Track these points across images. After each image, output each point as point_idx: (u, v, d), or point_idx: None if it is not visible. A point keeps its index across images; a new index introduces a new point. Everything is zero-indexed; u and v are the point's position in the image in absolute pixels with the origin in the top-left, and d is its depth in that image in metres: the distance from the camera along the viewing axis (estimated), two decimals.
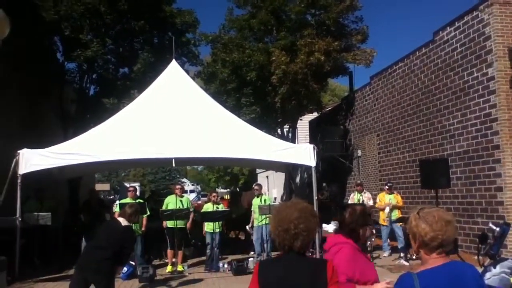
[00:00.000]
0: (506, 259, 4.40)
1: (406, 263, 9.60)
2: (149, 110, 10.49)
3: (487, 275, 4.14)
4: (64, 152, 9.21)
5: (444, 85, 11.38)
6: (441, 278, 1.97)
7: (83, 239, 10.30)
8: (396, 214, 10.40)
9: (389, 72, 14.40)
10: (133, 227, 9.10)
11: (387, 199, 10.65)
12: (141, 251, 9.35)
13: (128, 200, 9.63)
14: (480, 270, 4.12)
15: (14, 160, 8.81)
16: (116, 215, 9.31)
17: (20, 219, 8.86)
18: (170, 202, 9.82)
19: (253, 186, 12.10)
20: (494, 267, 4.23)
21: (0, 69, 11.56)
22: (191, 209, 10.04)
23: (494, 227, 4.89)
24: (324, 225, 13.89)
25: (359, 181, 13.14)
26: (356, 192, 11.25)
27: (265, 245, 10.12)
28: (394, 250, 10.73)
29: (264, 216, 9.98)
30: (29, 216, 9.33)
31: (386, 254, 10.73)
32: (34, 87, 14.01)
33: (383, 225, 10.71)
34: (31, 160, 8.93)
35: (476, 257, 5.07)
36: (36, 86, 14.07)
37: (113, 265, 5.11)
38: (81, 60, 14.79)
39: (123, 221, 5.31)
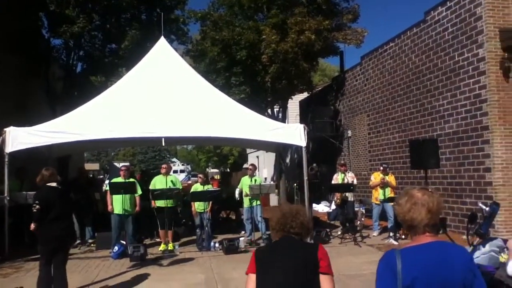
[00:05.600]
0: (495, 238, 4.48)
1: (395, 243, 9.72)
2: (137, 88, 10.36)
3: (477, 253, 4.21)
4: (52, 131, 9.08)
5: (434, 66, 11.37)
6: (424, 255, 1.96)
7: (73, 218, 10.27)
8: (389, 193, 10.47)
9: (380, 52, 14.34)
10: (128, 208, 9.15)
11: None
12: (132, 231, 9.35)
13: (119, 179, 9.59)
14: (469, 249, 4.19)
15: (1, 138, 8.68)
16: (107, 195, 9.35)
17: (8, 198, 8.77)
18: (158, 182, 9.77)
19: (248, 165, 12.10)
20: (484, 246, 4.31)
21: None
22: (180, 188, 10.05)
23: (484, 207, 4.95)
24: (314, 205, 14.03)
25: (342, 161, 13.23)
26: (340, 172, 11.31)
27: (260, 225, 10.17)
28: (384, 229, 10.86)
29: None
30: (17, 195, 9.24)
31: (375, 233, 10.85)
32: (20, 65, 13.73)
33: (375, 204, 10.80)
34: (18, 138, 8.81)
35: (465, 237, 5.14)
36: (22, 63, 13.80)
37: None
38: (67, 36, 14.49)
39: (53, 185, 5.66)
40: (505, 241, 4.22)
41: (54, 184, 5.63)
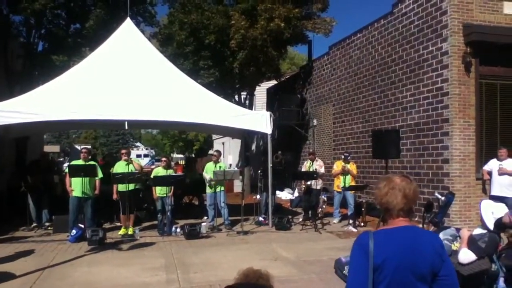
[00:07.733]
0: (449, 227, 4.61)
1: (354, 230, 9.93)
2: (101, 69, 10.07)
3: None
4: (10, 110, 8.71)
5: (399, 58, 11.56)
6: (395, 238, 2.03)
7: (29, 200, 9.99)
8: (349, 182, 10.67)
9: (348, 43, 14.46)
10: (87, 190, 8.94)
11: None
12: (91, 214, 9.15)
13: (79, 161, 9.34)
14: None
15: None
16: (66, 177, 9.12)
17: None
18: (119, 167, 9.57)
19: (213, 151, 12.04)
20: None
21: None
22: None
23: (440, 196, 5.10)
24: (277, 192, 14.13)
25: (311, 150, 13.36)
26: (309, 161, 11.43)
27: (222, 211, 10.21)
28: (344, 217, 11.06)
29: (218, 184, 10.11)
30: None
31: (336, 220, 11.05)
32: None
33: (336, 192, 11.00)
34: None
35: (421, 225, 5.28)
36: None
37: None
38: (28, 14, 13.90)
39: None
40: (458, 230, 4.35)
41: None
